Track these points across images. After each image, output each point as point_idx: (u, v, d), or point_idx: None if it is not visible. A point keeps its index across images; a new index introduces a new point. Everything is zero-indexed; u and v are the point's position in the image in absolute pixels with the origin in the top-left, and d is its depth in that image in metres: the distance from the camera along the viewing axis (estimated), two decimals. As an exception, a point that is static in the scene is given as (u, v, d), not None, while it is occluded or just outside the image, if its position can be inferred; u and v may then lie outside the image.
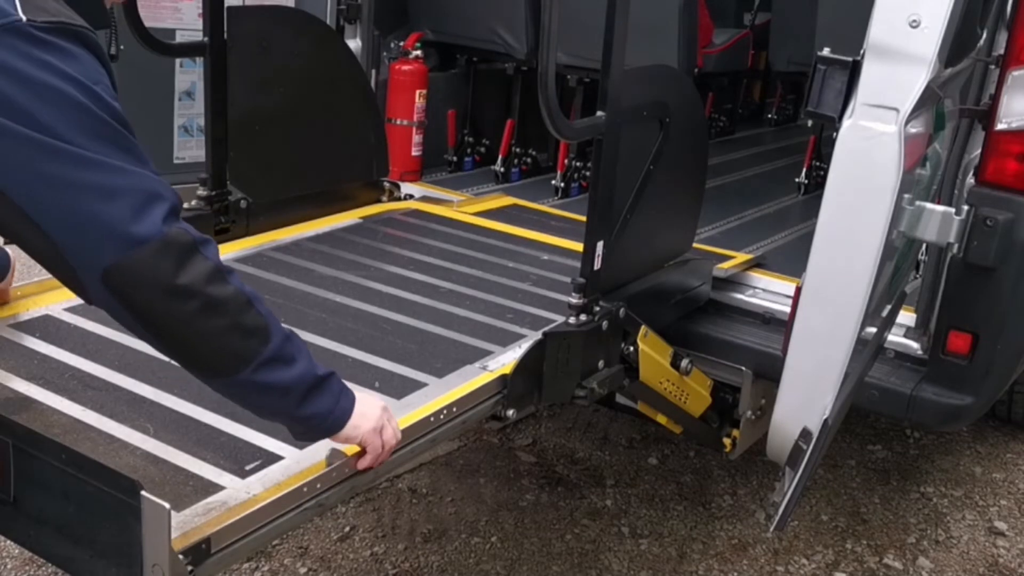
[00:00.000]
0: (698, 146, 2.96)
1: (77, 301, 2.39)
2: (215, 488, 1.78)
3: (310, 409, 1.66)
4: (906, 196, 2.18)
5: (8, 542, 3.09)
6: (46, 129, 1.38)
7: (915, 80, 2.06)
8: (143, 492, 1.50)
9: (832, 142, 2.14)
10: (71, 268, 1.46)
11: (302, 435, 1.76)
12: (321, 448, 1.86)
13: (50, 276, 1.75)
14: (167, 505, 1.48)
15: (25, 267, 2.30)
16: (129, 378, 2.17)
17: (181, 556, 1.55)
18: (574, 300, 2.34)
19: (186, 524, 1.61)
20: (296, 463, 1.86)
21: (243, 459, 1.88)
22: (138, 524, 1.51)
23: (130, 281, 1.44)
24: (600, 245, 2.35)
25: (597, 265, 2.35)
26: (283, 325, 1.62)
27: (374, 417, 1.77)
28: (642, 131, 2.57)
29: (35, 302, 2.48)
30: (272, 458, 1.88)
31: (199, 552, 1.60)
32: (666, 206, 2.80)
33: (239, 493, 1.77)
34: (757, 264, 3.22)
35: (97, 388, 2.08)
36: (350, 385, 1.77)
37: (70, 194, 1.40)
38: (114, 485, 1.55)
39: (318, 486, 1.80)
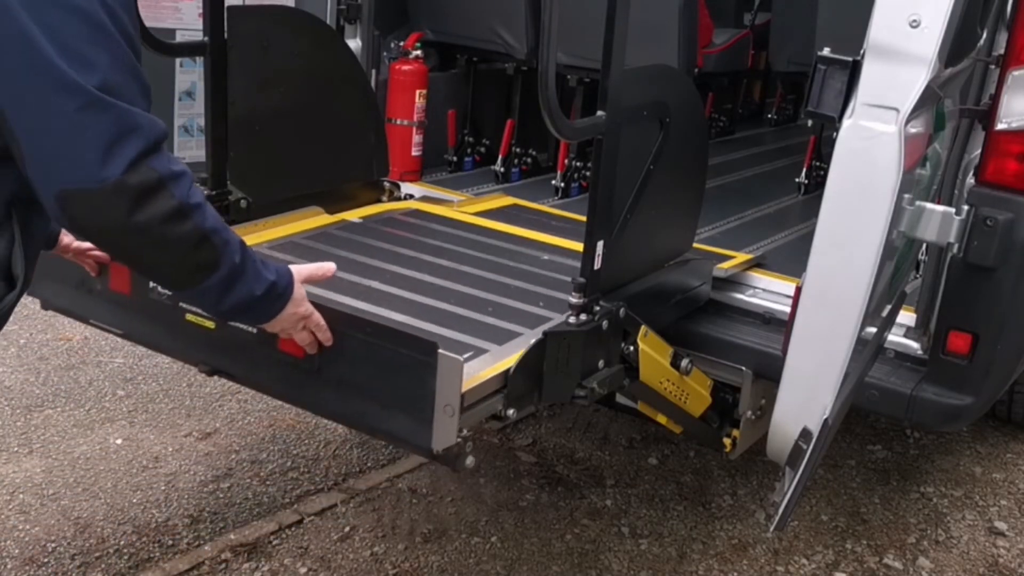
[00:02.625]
0: (698, 146, 2.96)
1: (313, 230, 3.15)
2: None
3: (237, 320, 1.95)
4: (906, 196, 2.18)
5: (8, 541, 3.10)
6: (48, 35, 1.41)
7: (915, 80, 2.06)
8: (440, 350, 1.93)
9: (832, 142, 2.14)
10: (32, 176, 1.51)
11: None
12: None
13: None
14: (461, 358, 1.94)
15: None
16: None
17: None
18: (574, 300, 2.34)
19: None
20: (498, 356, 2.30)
21: (461, 350, 2.17)
22: (432, 376, 1.94)
23: (82, 210, 1.50)
24: (600, 245, 2.35)
25: (597, 265, 2.35)
26: (236, 246, 1.71)
27: (287, 323, 1.94)
28: (642, 131, 2.57)
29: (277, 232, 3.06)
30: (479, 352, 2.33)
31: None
32: (666, 206, 2.80)
33: (473, 368, 2.17)
34: (757, 264, 3.22)
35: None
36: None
37: (46, 113, 1.45)
38: (415, 347, 1.99)
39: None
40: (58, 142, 1.46)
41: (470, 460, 2.10)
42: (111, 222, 1.51)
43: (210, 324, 2.27)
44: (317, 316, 1.99)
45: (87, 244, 2.24)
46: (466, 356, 2.19)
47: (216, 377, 2.47)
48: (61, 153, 1.47)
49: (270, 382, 2.32)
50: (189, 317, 2.30)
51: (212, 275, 1.66)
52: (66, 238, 2.22)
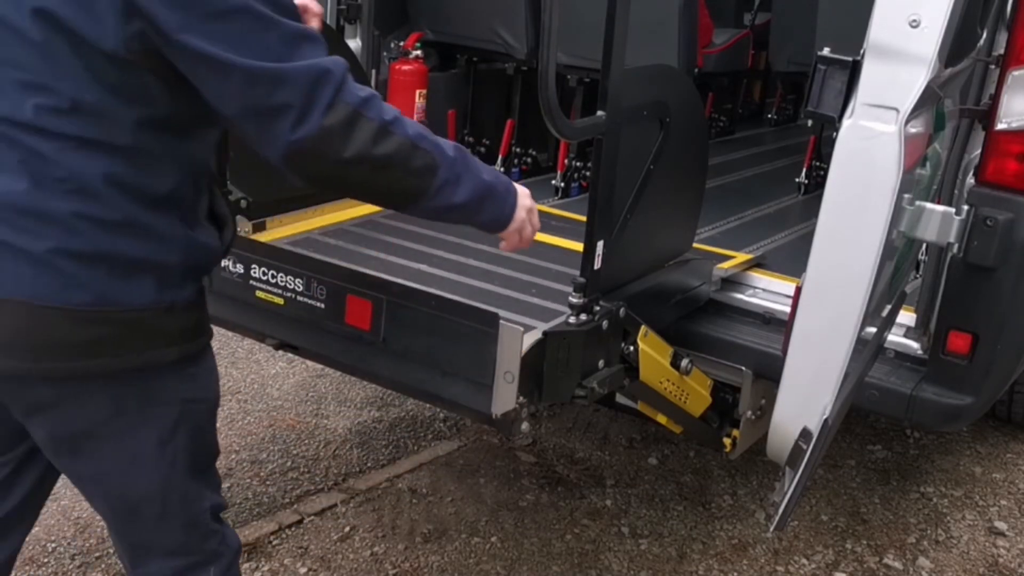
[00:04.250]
0: (698, 146, 2.96)
1: (331, 226, 3.16)
2: None
3: (486, 216, 1.95)
4: (906, 196, 2.18)
5: (8, 542, 3.09)
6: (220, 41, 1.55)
7: (915, 80, 2.06)
8: (502, 320, 2.07)
9: (832, 142, 2.14)
10: (260, 151, 1.69)
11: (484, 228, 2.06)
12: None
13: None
14: (521, 328, 2.07)
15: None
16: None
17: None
18: (574, 299, 2.34)
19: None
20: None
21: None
22: (493, 345, 2.07)
23: (304, 163, 1.67)
24: (600, 245, 2.35)
25: (597, 265, 2.35)
26: (445, 143, 1.83)
27: (521, 218, 2.04)
28: (642, 131, 2.57)
29: (294, 229, 3.13)
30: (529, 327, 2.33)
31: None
32: (666, 206, 2.80)
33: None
34: (757, 264, 3.23)
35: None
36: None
37: (242, 101, 1.61)
38: (478, 319, 2.12)
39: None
40: (262, 114, 1.61)
41: (525, 426, 2.23)
42: (332, 164, 1.66)
43: (279, 300, 2.40)
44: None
45: None
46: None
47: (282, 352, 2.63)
48: (269, 125, 1.62)
49: (336, 354, 2.45)
50: (259, 294, 2.42)
51: (436, 174, 1.78)
52: None
